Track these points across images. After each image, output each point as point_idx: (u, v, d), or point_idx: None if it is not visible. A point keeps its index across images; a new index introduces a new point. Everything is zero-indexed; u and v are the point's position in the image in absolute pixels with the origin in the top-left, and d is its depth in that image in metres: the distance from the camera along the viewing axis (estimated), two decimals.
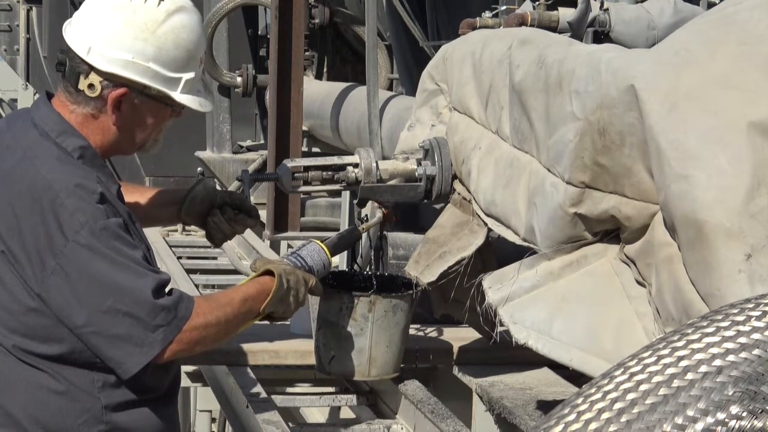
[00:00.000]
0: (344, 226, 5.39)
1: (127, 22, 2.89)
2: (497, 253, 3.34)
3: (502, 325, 2.79)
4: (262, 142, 8.09)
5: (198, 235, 7.23)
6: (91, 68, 2.89)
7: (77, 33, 2.92)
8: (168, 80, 2.93)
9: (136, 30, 2.89)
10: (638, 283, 2.62)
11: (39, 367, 2.86)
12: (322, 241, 3.28)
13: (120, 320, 2.79)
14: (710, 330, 1.83)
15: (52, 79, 11.23)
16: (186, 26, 2.94)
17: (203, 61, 3.04)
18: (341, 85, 6.89)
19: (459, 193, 3.37)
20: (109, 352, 2.82)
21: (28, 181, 2.83)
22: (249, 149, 8.08)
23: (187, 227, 7.26)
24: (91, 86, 2.89)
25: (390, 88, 7.20)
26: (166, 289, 2.86)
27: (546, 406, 3.15)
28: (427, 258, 3.31)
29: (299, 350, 3.68)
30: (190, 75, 2.96)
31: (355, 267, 3.60)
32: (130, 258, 2.82)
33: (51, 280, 2.79)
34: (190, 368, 4.05)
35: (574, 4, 3.93)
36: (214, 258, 7.07)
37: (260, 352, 3.71)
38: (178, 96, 2.95)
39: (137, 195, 3.36)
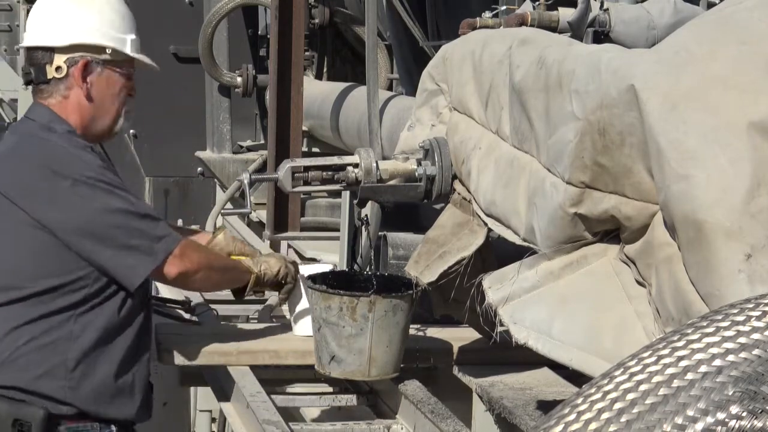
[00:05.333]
0: (344, 226, 5.37)
1: (69, 5, 3.40)
2: (497, 253, 3.34)
3: (502, 325, 2.79)
4: (262, 142, 8.06)
5: None
6: (53, 52, 3.37)
7: (36, 35, 3.41)
8: (117, 39, 3.41)
9: (76, 6, 3.39)
10: (638, 283, 2.62)
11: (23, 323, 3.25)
12: None
13: (129, 232, 3.24)
14: (710, 330, 1.83)
15: None
16: None
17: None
18: (341, 85, 6.88)
19: (459, 193, 3.37)
20: (117, 261, 3.24)
21: (30, 150, 3.32)
22: (249, 149, 8.06)
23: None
24: (58, 68, 3.37)
25: (390, 88, 7.18)
26: None
27: (546, 406, 3.15)
28: (427, 258, 3.31)
29: (299, 350, 3.68)
30: (133, 36, 3.45)
31: (355, 267, 3.60)
32: (129, 193, 3.30)
33: (60, 206, 3.22)
34: (190, 368, 4.03)
35: (574, 4, 3.92)
36: None
37: (260, 352, 3.71)
38: (131, 53, 3.42)
39: None
